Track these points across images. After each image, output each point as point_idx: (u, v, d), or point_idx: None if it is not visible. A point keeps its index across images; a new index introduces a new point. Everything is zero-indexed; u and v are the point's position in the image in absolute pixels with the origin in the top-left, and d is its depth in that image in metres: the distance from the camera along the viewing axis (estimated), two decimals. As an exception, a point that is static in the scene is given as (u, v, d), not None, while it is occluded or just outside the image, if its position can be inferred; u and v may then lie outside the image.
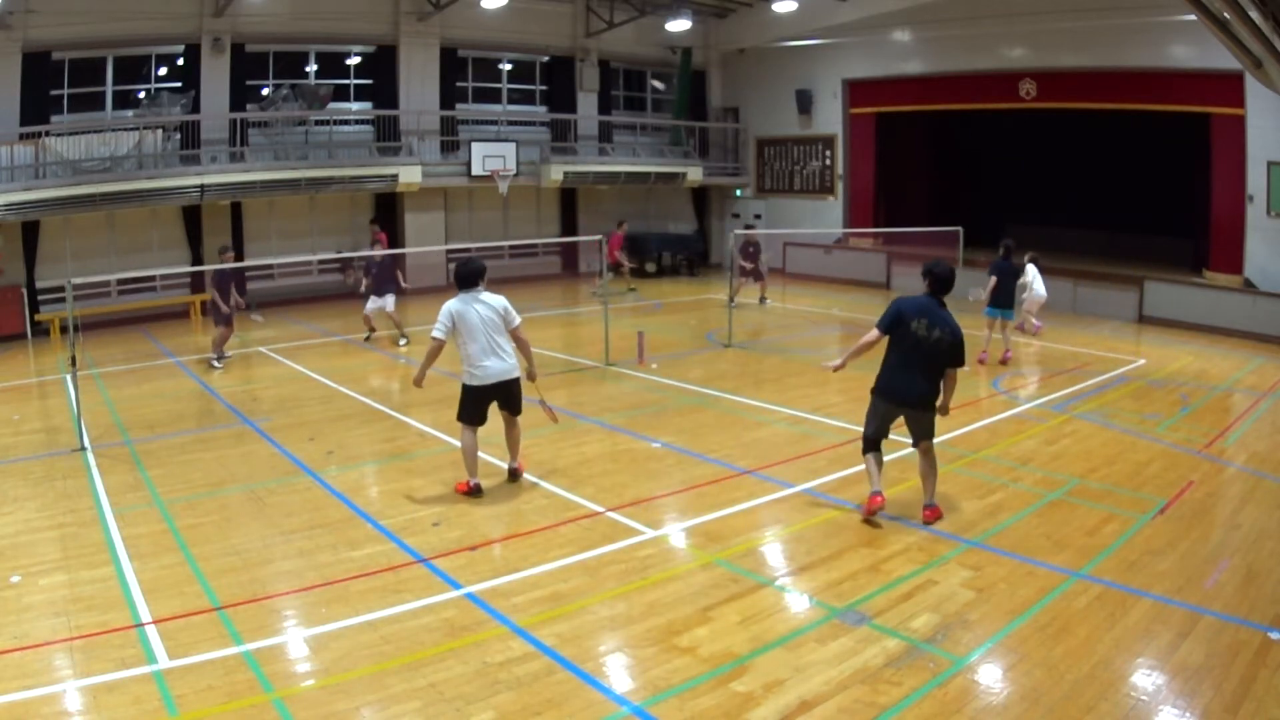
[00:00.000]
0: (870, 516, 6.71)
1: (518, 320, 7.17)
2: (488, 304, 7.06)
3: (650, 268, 22.84)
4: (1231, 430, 9.43)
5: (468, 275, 7.08)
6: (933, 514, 6.74)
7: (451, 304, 7.05)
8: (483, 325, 7.00)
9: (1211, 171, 16.24)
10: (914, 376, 6.56)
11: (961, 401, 10.36)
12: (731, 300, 15.18)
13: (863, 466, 8.10)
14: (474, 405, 7.21)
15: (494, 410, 7.37)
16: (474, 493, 7.25)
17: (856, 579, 5.80)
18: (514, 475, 7.60)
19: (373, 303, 14.09)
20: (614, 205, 23.23)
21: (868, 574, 5.87)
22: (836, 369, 7.01)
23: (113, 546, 6.35)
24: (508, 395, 7.28)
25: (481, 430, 7.31)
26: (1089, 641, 4.97)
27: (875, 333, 6.69)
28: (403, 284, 14.42)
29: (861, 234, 21.65)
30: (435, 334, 7.04)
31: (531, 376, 7.43)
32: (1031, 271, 13.96)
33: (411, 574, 5.92)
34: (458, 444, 8.66)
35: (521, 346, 7.30)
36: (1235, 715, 4.28)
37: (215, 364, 12.46)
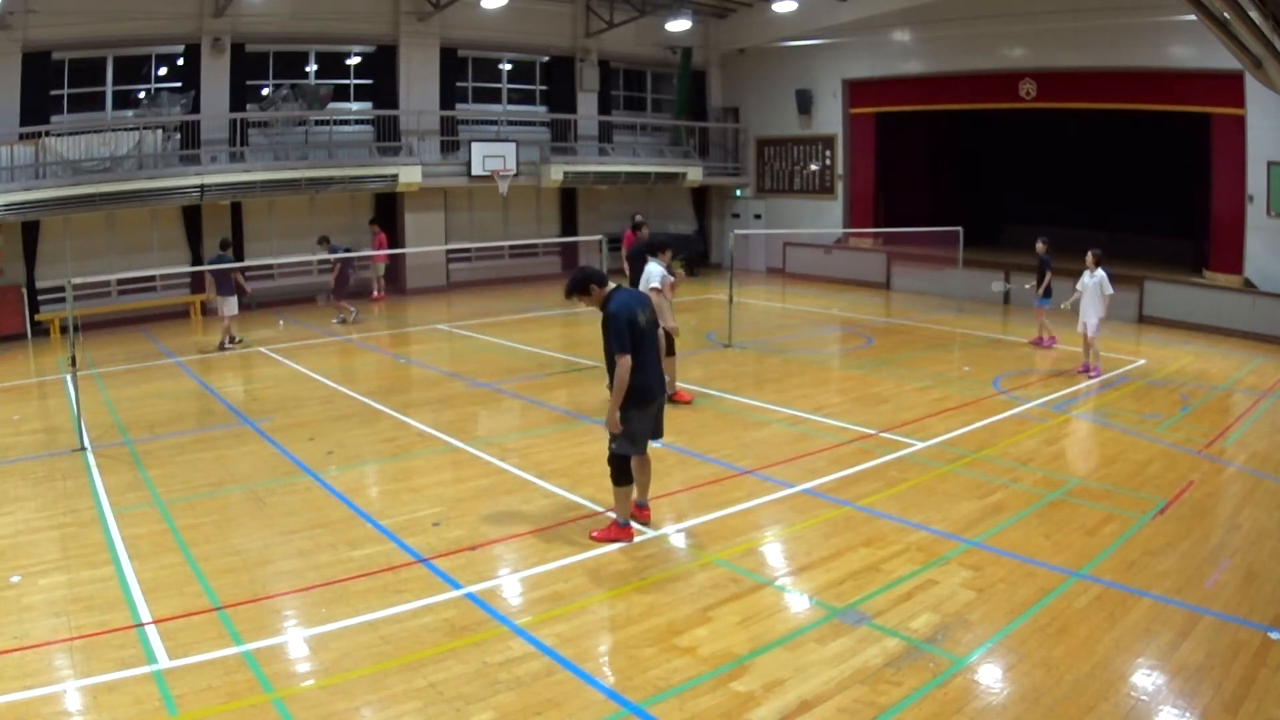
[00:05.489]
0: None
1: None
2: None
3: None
4: (1231, 430, 9.42)
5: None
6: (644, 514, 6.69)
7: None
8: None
9: (1211, 171, 16.22)
10: (657, 367, 6.37)
11: (962, 401, 10.40)
12: None
13: (864, 465, 8.08)
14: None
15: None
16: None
17: (856, 579, 5.80)
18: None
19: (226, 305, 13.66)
20: (614, 205, 23.22)
21: (868, 574, 5.87)
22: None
23: (113, 546, 6.35)
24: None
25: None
26: (1089, 641, 4.97)
27: (628, 359, 5.99)
28: (245, 290, 14.07)
29: (861, 234, 21.64)
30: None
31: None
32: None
33: (411, 574, 5.92)
34: (457, 444, 8.72)
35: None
36: (1235, 715, 4.28)
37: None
